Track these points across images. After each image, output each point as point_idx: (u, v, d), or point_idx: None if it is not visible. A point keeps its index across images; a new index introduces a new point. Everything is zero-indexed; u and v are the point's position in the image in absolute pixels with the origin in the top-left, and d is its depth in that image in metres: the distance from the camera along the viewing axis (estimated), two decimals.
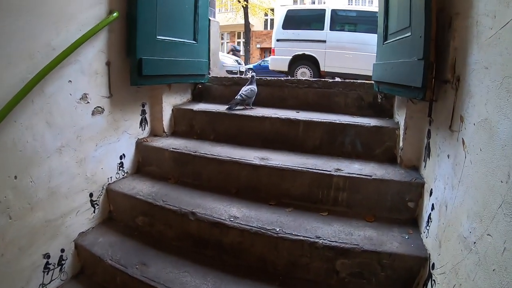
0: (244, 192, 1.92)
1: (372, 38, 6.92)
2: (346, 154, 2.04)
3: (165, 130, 2.49)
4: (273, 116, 2.21)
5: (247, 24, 18.61)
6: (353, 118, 2.23)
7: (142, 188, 2.01)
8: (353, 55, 7.16)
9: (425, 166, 1.69)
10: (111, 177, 2.09)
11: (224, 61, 9.04)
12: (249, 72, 2.85)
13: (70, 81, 1.74)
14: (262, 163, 1.87)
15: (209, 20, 2.82)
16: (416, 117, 1.77)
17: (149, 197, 1.90)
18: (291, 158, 1.99)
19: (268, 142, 2.22)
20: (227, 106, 2.44)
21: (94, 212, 1.95)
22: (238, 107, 2.46)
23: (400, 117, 2.01)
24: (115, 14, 1.95)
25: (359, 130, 2.02)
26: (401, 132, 1.89)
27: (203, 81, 2.79)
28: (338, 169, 1.79)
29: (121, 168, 2.18)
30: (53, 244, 1.67)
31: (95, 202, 1.96)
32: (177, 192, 1.97)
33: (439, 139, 1.48)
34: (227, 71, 8.94)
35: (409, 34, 1.59)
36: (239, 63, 9.98)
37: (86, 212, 1.90)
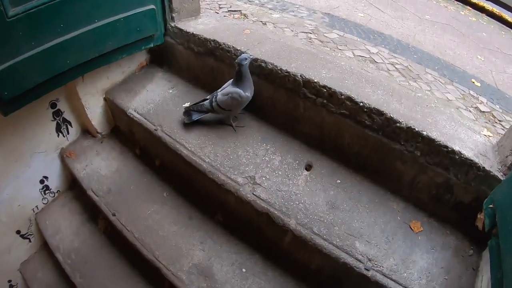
0: None
1: None
2: None
3: (99, 130, 1.74)
4: (241, 193, 1.19)
5: None
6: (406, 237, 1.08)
7: (64, 236, 1.63)
8: None
9: None
10: (36, 206, 1.71)
11: None
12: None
13: None
14: None
15: None
16: None
17: (68, 261, 1.55)
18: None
19: (231, 223, 1.35)
20: (184, 110, 1.41)
21: (30, 241, 1.76)
22: (205, 117, 1.40)
23: None
24: None
25: None
26: None
27: (152, 44, 1.51)
28: None
29: (47, 192, 1.75)
30: None
31: (27, 234, 1.73)
32: (100, 257, 1.53)
33: None
34: None
35: None
36: None
37: (20, 245, 1.72)
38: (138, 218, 1.39)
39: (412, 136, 1.10)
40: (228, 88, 1.30)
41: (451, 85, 1.60)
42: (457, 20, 2.85)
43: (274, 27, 1.70)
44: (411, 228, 1.14)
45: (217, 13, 1.81)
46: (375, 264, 1.02)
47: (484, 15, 3.62)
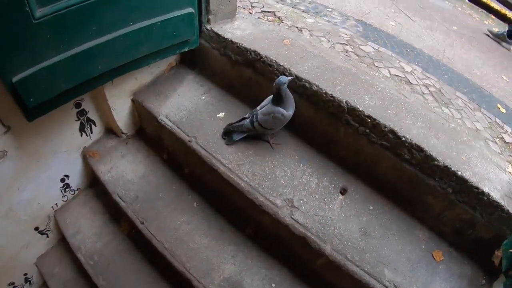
0: None
1: None
2: None
3: (124, 131, 1.70)
4: (279, 216, 1.23)
5: None
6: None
7: (86, 237, 1.64)
8: None
9: None
10: (56, 204, 1.71)
11: None
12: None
13: None
14: None
15: None
16: None
17: (90, 262, 1.57)
18: None
19: (261, 237, 1.40)
20: (223, 131, 1.41)
21: (47, 236, 1.77)
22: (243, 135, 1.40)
23: None
24: None
25: None
26: None
27: (187, 49, 1.47)
28: None
29: (67, 189, 1.74)
30: (14, 275, 1.70)
31: (45, 230, 1.74)
32: (124, 260, 1.55)
33: None
34: None
35: None
36: None
37: (38, 241, 1.73)
38: (168, 228, 1.42)
39: (447, 174, 1.16)
40: (268, 107, 1.30)
41: (479, 111, 1.67)
42: (481, 31, 2.88)
43: (311, 35, 1.67)
44: (434, 257, 1.23)
45: (251, 13, 1.74)
46: None
47: (507, 25, 3.65)
